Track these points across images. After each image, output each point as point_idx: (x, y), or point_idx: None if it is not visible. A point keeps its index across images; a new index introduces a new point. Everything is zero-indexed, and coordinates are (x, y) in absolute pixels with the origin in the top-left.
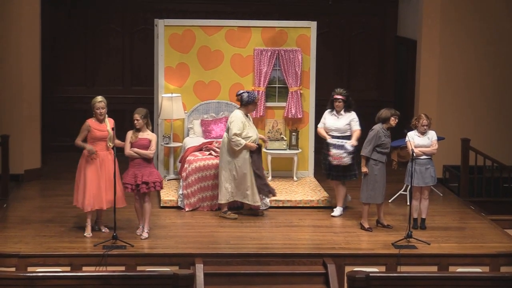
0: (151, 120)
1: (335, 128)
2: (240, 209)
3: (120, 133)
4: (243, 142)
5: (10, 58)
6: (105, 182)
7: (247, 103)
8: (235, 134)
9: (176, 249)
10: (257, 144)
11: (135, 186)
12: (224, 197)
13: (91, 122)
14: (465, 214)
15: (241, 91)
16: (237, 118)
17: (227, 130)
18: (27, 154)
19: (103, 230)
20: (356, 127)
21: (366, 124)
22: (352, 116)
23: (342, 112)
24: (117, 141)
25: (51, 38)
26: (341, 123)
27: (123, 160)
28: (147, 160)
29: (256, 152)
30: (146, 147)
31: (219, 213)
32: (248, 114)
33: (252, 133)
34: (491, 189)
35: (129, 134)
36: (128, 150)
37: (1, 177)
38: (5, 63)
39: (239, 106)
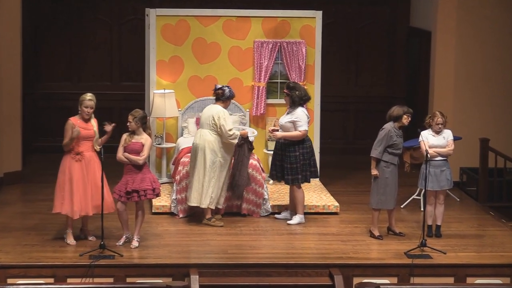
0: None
1: (280, 125)
2: (236, 215)
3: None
4: (238, 132)
5: None
6: (91, 185)
7: (227, 98)
8: (230, 129)
9: (169, 259)
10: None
11: (124, 193)
12: (205, 202)
13: (74, 120)
14: (484, 221)
15: (222, 86)
16: (225, 113)
17: (211, 126)
18: (6, 156)
19: (90, 239)
20: (299, 127)
21: (375, 123)
22: (296, 115)
23: (290, 108)
24: (103, 138)
25: (32, 29)
26: (284, 120)
27: (113, 162)
28: (138, 166)
29: (247, 144)
30: (138, 152)
31: (202, 220)
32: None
33: None
34: None
35: (124, 136)
36: (119, 155)
37: None
38: None
39: (214, 102)
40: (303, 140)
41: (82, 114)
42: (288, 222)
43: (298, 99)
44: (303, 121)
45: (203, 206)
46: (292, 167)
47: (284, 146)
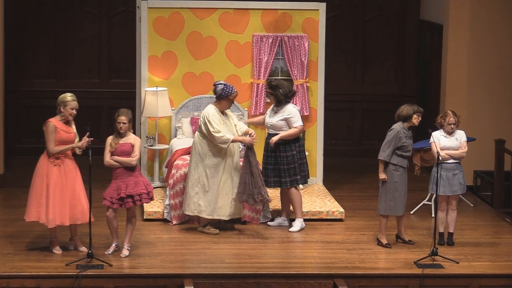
0: (133, 119)
1: (270, 125)
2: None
3: (94, 135)
4: (229, 136)
5: None
6: (70, 193)
7: (219, 97)
8: (217, 130)
9: (162, 268)
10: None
11: (117, 199)
12: (189, 208)
13: (55, 122)
14: (500, 228)
15: (218, 82)
16: (210, 113)
17: (199, 128)
18: None
19: (81, 250)
20: (295, 124)
21: (383, 123)
22: (288, 111)
23: (276, 106)
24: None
25: (15, 23)
26: (275, 119)
27: (99, 165)
28: (130, 168)
29: (252, 151)
30: (128, 154)
31: (197, 227)
32: (226, 112)
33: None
34: None
35: (109, 140)
36: (107, 159)
37: None
38: None
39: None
40: (298, 138)
41: (65, 116)
42: (290, 229)
43: (283, 97)
44: (296, 116)
45: (186, 212)
46: (290, 167)
47: (277, 145)
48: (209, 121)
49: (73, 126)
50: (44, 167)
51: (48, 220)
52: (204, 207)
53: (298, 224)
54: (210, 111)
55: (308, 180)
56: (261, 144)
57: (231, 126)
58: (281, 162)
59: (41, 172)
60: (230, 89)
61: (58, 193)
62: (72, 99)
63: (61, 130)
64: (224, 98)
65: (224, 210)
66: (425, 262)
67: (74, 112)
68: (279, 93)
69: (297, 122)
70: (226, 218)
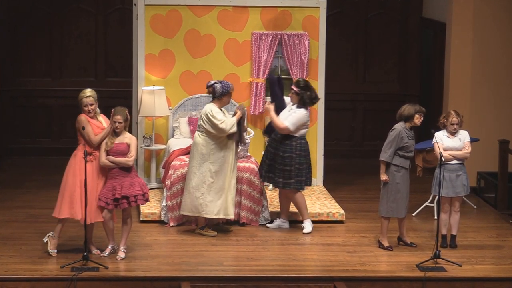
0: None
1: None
2: (231, 224)
3: None
4: (233, 119)
5: None
6: (97, 190)
7: (221, 95)
8: (222, 121)
9: (159, 271)
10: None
11: (112, 200)
12: (195, 210)
13: (85, 117)
14: (504, 230)
15: (212, 82)
16: (213, 109)
17: (200, 128)
18: None
19: (94, 252)
20: (285, 121)
21: (385, 123)
22: (297, 112)
23: (295, 106)
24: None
25: (10, 21)
26: (285, 115)
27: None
28: (126, 169)
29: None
30: (124, 153)
31: (195, 229)
32: (223, 109)
33: None
34: None
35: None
36: (103, 159)
37: None
38: None
39: (211, 100)
40: (301, 142)
41: (84, 113)
42: (304, 231)
43: (309, 100)
44: (294, 120)
45: (190, 214)
46: (285, 169)
47: (278, 144)
48: (213, 115)
49: (100, 119)
50: (77, 163)
51: (91, 217)
52: (211, 207)
53: (309, 225)
54: (213, 108)
55: (306, 186)
56: (261, 143)
57: None
58: (277, 161)
59: (73, 170)
60: (228, 84)
61: (94, 191)
62: (84, 96)
63: (92, 124)
64: (226, 94)
65: (230, 209)
66: (428, 265)
67: (88, 108)
68: (306, 95)
69: (287, 122)
70: (232, 217)
